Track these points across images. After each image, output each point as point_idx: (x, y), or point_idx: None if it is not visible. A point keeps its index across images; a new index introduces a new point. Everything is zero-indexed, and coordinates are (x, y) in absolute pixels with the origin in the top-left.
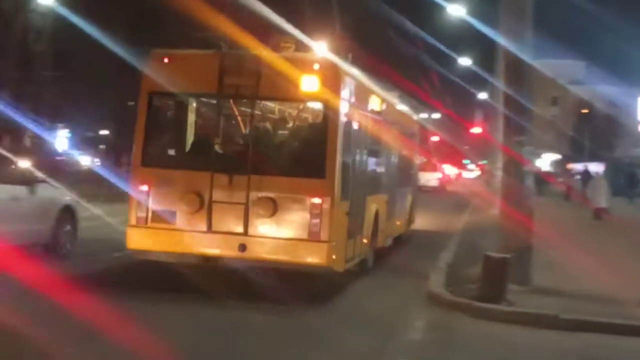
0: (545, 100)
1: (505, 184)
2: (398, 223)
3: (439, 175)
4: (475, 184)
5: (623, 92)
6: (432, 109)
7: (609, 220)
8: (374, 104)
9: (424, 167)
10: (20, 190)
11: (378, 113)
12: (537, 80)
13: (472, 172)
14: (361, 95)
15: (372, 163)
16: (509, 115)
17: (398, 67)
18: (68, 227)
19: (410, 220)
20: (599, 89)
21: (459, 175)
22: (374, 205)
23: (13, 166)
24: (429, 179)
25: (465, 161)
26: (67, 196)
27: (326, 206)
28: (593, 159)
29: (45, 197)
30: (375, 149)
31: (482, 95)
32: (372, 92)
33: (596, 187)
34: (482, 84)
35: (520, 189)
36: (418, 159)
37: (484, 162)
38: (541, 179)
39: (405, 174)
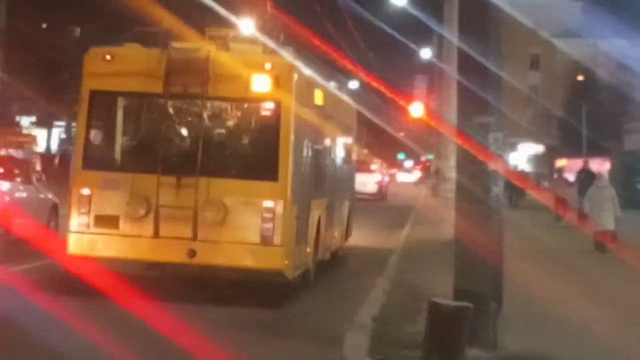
0: (522, 61)
1: (460, 193)
2: (336, 234)
3: (376, 177)
4: (416, 191)
5: (638, 48)
6: (349, 75)
7: (617, 251)
8: (318, 98)
9: (357, 167)
10: (24, 188)
11: (321, 108)
12: (510, 31)
13: (409, 172)
14: (308, 92)
15: (315, 163)
16: (466, 85)
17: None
18: (53, 224)
19: (347, 233)
20: (602, 45)
21: (392, 177)
22: (317, 211)
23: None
24: (365, 182)
25: (399, 155)
26: (51, 194)
27: (279, 209)
28: (593, 152)
29: (41, 194)
30: (318, 147)
31: (425, 54)
32: (316, 87)
33: (597, 197)
34: (425, 36)
35: (484, 201)
36: (354, 157)
37: (429, 157)
38: (514, 185)
39: (343, 175)
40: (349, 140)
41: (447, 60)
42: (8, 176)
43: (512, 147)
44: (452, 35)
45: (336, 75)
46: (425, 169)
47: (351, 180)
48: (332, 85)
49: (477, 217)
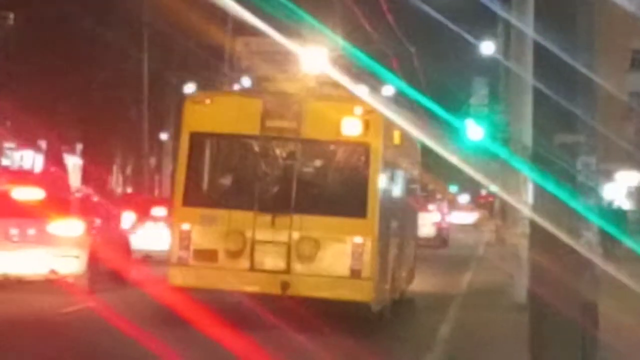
0: (620, 60)
1: (537, 240)
2: (404, 275)
3: (434, 217)
4: (475, 236)
5: None
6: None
7: None
8: (396, 138)
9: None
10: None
11: (398, 147)
12: (605, 20)
13: (466, 211)
14: (390, 133)
15: (393, 202)
16: (545, 92)
17: None
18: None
19: (412, 276)
20: None
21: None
22: (394, 249)
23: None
24: (421, 223)
25: (451, 187)
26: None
27: (368, 245)
28: None
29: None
30: (396, 186)
31: (487, 48)
32: (395, 128)
33: None
34: (487, 25)
35: (571, 250)
36: (417, 196)
37: (491, 189)
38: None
39: (410, 214)
40: (416, 177)
41: (516, 57)
42: (92, 212)
43: (608, 176)
44: (524, 24)
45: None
46: (487, 206)
47: (415, 220)
48: (365, 91)
49: (562, 272)
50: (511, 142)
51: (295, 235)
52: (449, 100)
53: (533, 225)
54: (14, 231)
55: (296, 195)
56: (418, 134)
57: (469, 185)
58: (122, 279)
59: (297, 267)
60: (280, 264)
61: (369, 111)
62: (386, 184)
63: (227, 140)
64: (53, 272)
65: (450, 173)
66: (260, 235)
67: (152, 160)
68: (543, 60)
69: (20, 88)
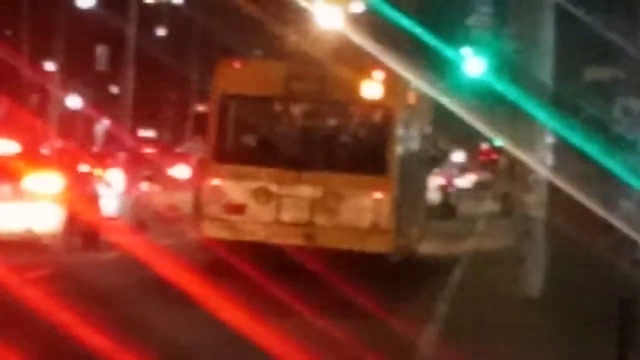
0: None
1: (557, 211)
2: (417, 232)
3: (439, 181)
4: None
5: None
6: None
7: None
8: (411, 98)
9: None
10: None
11: (414, 106)
12: None
13: (462, 173)
14: (407, 95)
15: (411, 160)
16: (572, 13)
17: None
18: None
19: (422, 235)
20: None
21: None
22: (410, 206)
23: None
24: None
25: (440, 143)
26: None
27: (387, 200)
28: None
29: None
30: (413, 145)
31: None
32: (411, 88)
33: None
34: None
35: (605, 227)
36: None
37: (494, 143)
38: None
39: (424, 174)
40: (429, 136)
41: None
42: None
43: None
44: None
45: None
46: (490, 166)
47: (427, 180)
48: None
49: (593, 256)
50: (523, 79)
51: (319, 190)
52: (438, 21)
53: (553, 191)
54: None
55: (319, 153)
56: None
57: (464, 137)
58: (97, 240)
59: (321, 220)
60: (305, 217)
61: (389, 74)
62: (403, 144)
63: (255, 101)
64: (29, 230)
65: (439, 120)
66: (286, 190)
67: (34, 98)
68: None
69: None
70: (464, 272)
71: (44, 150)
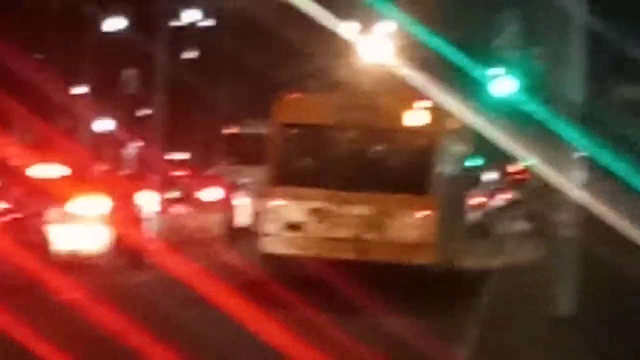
0: None
1: (588, 233)
2: (458, 247)
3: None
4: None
5: None
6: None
7: None
8: (453, 125)
9: None
10: None
11: (454, 133)
12: None
13: (492, 195)
14: (448, 122)
15: (452, 182)
16: (603, 32)
17: None
18: None
19: (460, 251)
20: None
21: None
22: (451, 223)
23: None
24: None
25: (473, 161)
26: None
27: (431, 217)
28: None
29: None
30: (452, 169)
31: None
32: (452, 115)
33: None
34: None
35: None
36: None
37: (526, 163)
38: None
39: (464, 193)
40: (467, 156)
41: None
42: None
43: None
44: None
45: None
46: (520, 184)
47: (466, 199)
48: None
49: (622, 275)
50: (554, 98)
51: (369, 209)
52: (465, 41)
53: (584, 210)
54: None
55: (370, 176)
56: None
57: (496, 157)
58: (142, 260)
59: (371, 236)
60: (356, 234)
61: (431, 102)
62: (445, 165)
63: (310, 129)
64: (78, 251)
65: (473, 141)
66: (340, 209)
67: (64, 121)
68: None
69: None
70: (496, 290)
71: (90, 174)
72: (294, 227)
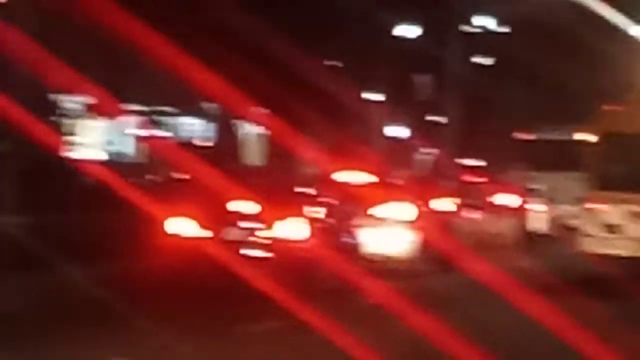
0: None
1: None
2: None
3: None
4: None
5: None
6: None
7: None
8: None
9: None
10: None
11: None
12: None
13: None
14: None
15: None
16: None
17: None
18: None
19: None
20: None
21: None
22: None
23: None
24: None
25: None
26: None
27: None
28: None
29: None
30: None
31: None
32: None
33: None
34: None
35: None
36: None
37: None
38: None
39: None
40: None
41: None
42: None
43: None
44: None
45: None
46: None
47: None
48: None
49: None
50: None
51: None
52: None
53: None
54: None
55: None
56: None
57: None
58: (449, 264)
59: None
60: None
61: None
62: None
63: (630, 139)
64: (389, 255)
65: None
66: None
67: (356, 128)
68: None
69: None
70: None
71: (394, 179)
72: (610, 229)
